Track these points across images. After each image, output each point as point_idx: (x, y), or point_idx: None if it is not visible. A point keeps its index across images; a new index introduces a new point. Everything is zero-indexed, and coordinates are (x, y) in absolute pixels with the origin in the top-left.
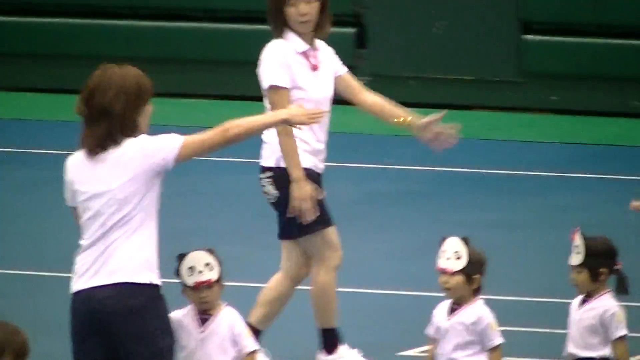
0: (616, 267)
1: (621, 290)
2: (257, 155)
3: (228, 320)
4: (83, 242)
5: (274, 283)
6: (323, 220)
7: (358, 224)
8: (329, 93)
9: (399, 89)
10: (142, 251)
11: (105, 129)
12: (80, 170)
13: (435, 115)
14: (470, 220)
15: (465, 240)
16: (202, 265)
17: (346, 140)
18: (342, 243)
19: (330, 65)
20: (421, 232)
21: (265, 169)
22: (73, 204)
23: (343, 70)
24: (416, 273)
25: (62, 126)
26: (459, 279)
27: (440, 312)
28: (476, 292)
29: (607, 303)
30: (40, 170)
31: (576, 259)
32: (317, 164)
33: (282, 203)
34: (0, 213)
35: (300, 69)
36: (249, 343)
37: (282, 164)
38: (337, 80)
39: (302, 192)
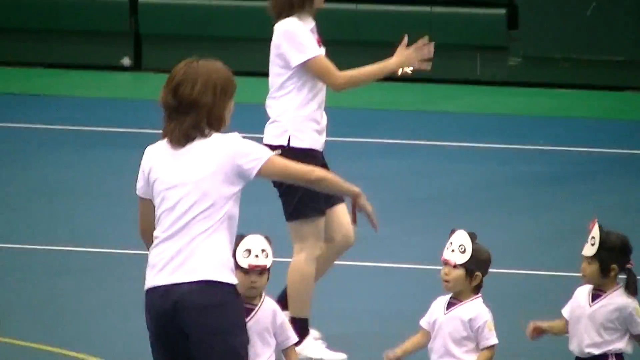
0: (628, 265)
1: (630, 289)
2: (408, 137)
3: (270, 310)
4: (159, 234)
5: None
6: (318, 209)
7: (507, 205)
8: None
9: (550, 71)
10: (223, 250)
11: (193, 120)
12: (163, 160)
13: (402, 44)
14: (626, 203)
15: (472, 236)
16: (259, 249)
17: (493, 121)
18: (492, 224)
19: None
20: (569, 214)
21: (273, 147)
22: (144, 195)
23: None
24: (562, 255)
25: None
26: (460, 272)
27: (438, 306)
28: (476, 289)
29: (623, 299)
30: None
31: (589, 249)
32: (322, 143)
33: (286, 183)
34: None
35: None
36: (292, 335)
37: (293, 143)
38: None
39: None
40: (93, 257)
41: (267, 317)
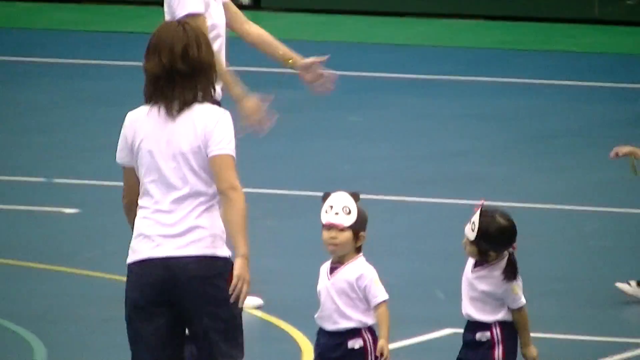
0: (507, 250)
1: (506, 274)
2: (526, 76)
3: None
4: (150, 205)
5: None
6: None
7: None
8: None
9: None
10: (218, 223)
11: (203, 84)
12: (151, 128)
13: (318, 58)
14: None
15: (355, 196)
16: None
17: (611, 60)
18: (610, 162)
19: None
20: None
21: None
22: (128, 163)
23: None
24: None
25: None
26: (348, 235)
27: (321, 275)
28: (358, 250)
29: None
30: None
31: (470, 234)
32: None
33: None
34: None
35: None
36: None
37: None
38: (224, 7)
39: (251, 106)
40: None
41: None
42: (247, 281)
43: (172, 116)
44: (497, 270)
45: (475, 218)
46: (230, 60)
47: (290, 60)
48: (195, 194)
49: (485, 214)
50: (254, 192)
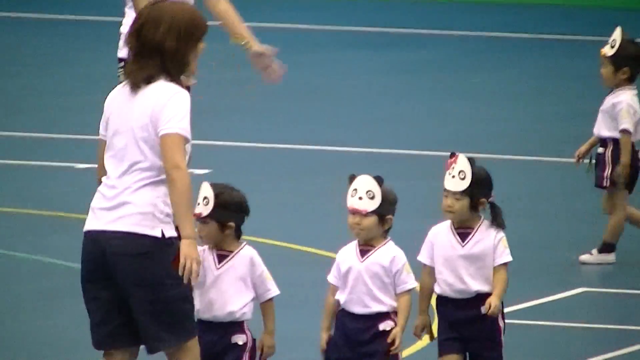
0: (491, 198)
1: (498, 222)
2: None
3: (247, 258)
4: (104, 179)
5: None
6: None
7: None
8: None
9: None
10: (155, 202)
11: (155, 65)
12: (117, 104)
13: (270, 49)
14: None
15: (378, 180)
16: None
17: None
18: None
19: None
20: None
21: (120, 60)
22: (103, 138)
23: None
24: None
25: None
26: (373, 219)
27: (348, 256)
28: (386, 233)
29: (491, 232)
30: None
31: (459, 184)
32: None
33: None
34: None
35: None
36: (272, 287)
37: None
38: None
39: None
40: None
41: (243, 265)
42: (197, 260)
43: (133, 93)
44: (486, 231)
45: (464, 165)
46: (364, 20)
47: (244, 42)
48: (139, 170)
49: (472, 161)
50: (379, 152)
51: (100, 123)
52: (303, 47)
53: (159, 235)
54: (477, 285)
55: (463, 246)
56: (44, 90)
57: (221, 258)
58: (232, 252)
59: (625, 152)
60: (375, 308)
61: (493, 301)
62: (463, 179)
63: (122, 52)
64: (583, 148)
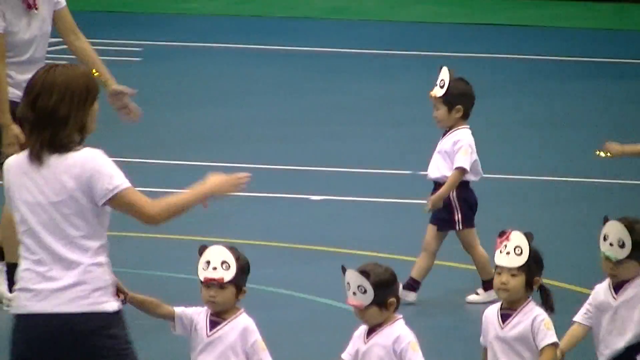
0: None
1: (548, 305)
2: None
3: (240, 329)
4: (27, 255)
5: None
6: None
7: None
8: (43, 31)
9: None
10: (106, 275)
11: (52, 133)
12: (20, 176)
13: (127, 89)
14: None
15: (528, 236)
16: (218, 261)
17: None
18: None
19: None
20: None
21: None
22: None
23: (61, 5)
24: None
25: None
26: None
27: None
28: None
29: (536, 310)
30: None
31: (516, 260)
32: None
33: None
34: None
35: (13, 10)
36: (265, 357)
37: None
38: (55, 15)
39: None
40: None
41: (234, 334)
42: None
43: (37, 163)
44: (529, 308)
45: (519, 242)
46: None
47: (104, 81)
48: (70, 246)
49: (528, 237)
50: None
51: (5, 195)
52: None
53: (109, 310)
54: None
55: (502, 328)
56: (272, 120)
57: (213, 325)
58: (225, 319)
59: (449, 186)
60: None
61: None
62: (520, 254)
63: None
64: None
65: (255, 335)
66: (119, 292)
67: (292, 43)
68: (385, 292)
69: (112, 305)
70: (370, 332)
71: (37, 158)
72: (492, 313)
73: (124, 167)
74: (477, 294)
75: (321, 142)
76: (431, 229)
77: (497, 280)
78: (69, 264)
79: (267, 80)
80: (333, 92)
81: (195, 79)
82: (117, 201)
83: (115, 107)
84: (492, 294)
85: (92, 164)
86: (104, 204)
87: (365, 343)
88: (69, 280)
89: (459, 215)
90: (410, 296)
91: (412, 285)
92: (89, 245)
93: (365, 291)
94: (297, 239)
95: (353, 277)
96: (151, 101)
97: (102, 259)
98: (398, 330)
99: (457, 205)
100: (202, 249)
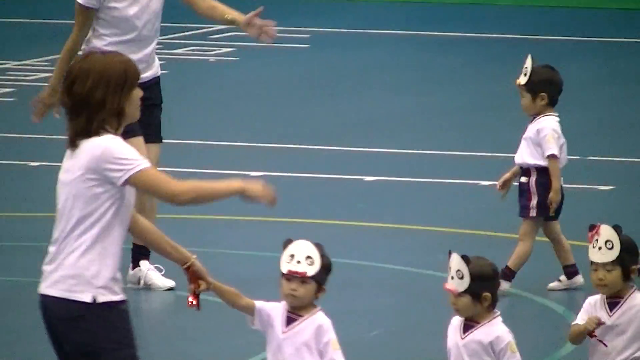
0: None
1: None
2: None
3: (315, 326)
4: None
5: None
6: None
7: None
8: (151, 8)
9: None
10: (88, 265)
11: (87, 118)
12: (64, 159)
13: (253, 12)
14: None
15: (617, 229)
16: (303, 255)
17: None
18: None
19: None
20: None
21: None
22: None
23: None
24: None
25: None
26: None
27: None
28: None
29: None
30: None
31: (608, 254)
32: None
33: None
34: None
35: None
36: (338, 357)
37: None
38: None
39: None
40: None
41: (308, 331)
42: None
43: (72, 148)
44: (636, 295)
45: (610, 235)
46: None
47: (233, 19)
48: (74, 229)
49: (617, 229)
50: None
51: None
52: None
53: (87, 300)
54: (628, 352)
55: (610, 316)
56: (449, 108)
57: (289, 321)
58: (302, 316)
59: (555, 177)
60: None
61: None
62: (611, 248)
63: None
64: (507, 175)
65: (330, 334)
66: (196, 280)
67: (468, 30)
68: (481, 285)
69: (87, 296)
70: (468, 327)
71: (72, 144)
72: (596, 303)
73: (290, 154)
74: (559, 280)
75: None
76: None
77: (594, 277)
78: (64, 247)
79: (441, 68)
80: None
81: (363, 66)
82: (138, 179)
83: (253, 35)
84: (573, 282)
85: (110, 148)
86: (124, 183)
87: (462, 338)
88: (57, 263)
89: (535, 202)
90: (504, 285)
91: (507, 274)
92: (86, 231)
93: (462, 277)
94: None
95: (455, 261)
96: (319, 88)
97: (95, 247)
98: (497, 330)
99: (535, 191)
100: (287, 242)
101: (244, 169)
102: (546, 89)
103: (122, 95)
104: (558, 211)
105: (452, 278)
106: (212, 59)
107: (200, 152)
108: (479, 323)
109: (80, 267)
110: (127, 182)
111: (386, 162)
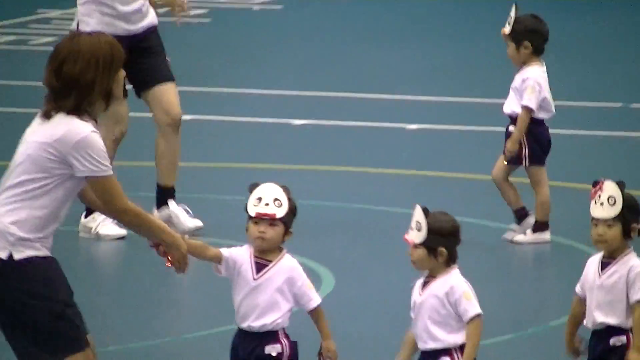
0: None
1: None
2: None
3: (286, 269)
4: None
5: None
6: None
7: None
8: None
9: None
10: (14, 225)
11: (76, 99)
12: (36, 119)
13: None
14: None
15: (620, 185)
16: (271, 198)
17: None
18: None
19: None
20: None
21: None
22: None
23: None
24: None
25: None
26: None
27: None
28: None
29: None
30: None
31: (610, 210)
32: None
33: None
34: None
35: None
36: (315, 296)
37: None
38: None
39: None
40: None
41: (281, 277)
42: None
43: (42, 122)
44: (629, 258)
45: (613, 190)
46: None
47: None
48: (15, 185)
49: (621, 185)
50: None
51: None
52: None
53: (15, 258)
54: (602, 317)
55: (600, 276)
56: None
57: (260, 267)
58: (271, 261)
59: (520, 128)
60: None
61: (631, 356)
62: (613, 204)
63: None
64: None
65: (302, 277)
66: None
67: None
68: (438, 240)
69: (4, 253)
70: (427, 284)
71: (46, 116)
72: (593, 262)
73: (333, 102)
74: (524, 234)
75: None
76: (500, 160)
77: (594, 232)
78: (6, 204)
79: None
80: None
81: (407, 18)
82: (100, 183)
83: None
84: (538, 237)
85: (87, 142)
86: (82, 177)
87: (420, 295)
88: None
89: (527, 151)
90: (545, 235)
91: (540, 226)
92: (26, 192)
93: (420, 229)
94: None
95: (416, 212)
96: (363, 40)
97: (25, 209)
98: (452, 281)
99: (525, 141)
100: (253, 185)
101: (290, 116)
102: (530, 38)
103: (110, 75)
104: (541, 158)
105: (412, 229)
106: (255, 7)
107: (245, 100)
108: (436, 278)
109: (2, 223)
110: (87, 179)
111: (429, 110)
